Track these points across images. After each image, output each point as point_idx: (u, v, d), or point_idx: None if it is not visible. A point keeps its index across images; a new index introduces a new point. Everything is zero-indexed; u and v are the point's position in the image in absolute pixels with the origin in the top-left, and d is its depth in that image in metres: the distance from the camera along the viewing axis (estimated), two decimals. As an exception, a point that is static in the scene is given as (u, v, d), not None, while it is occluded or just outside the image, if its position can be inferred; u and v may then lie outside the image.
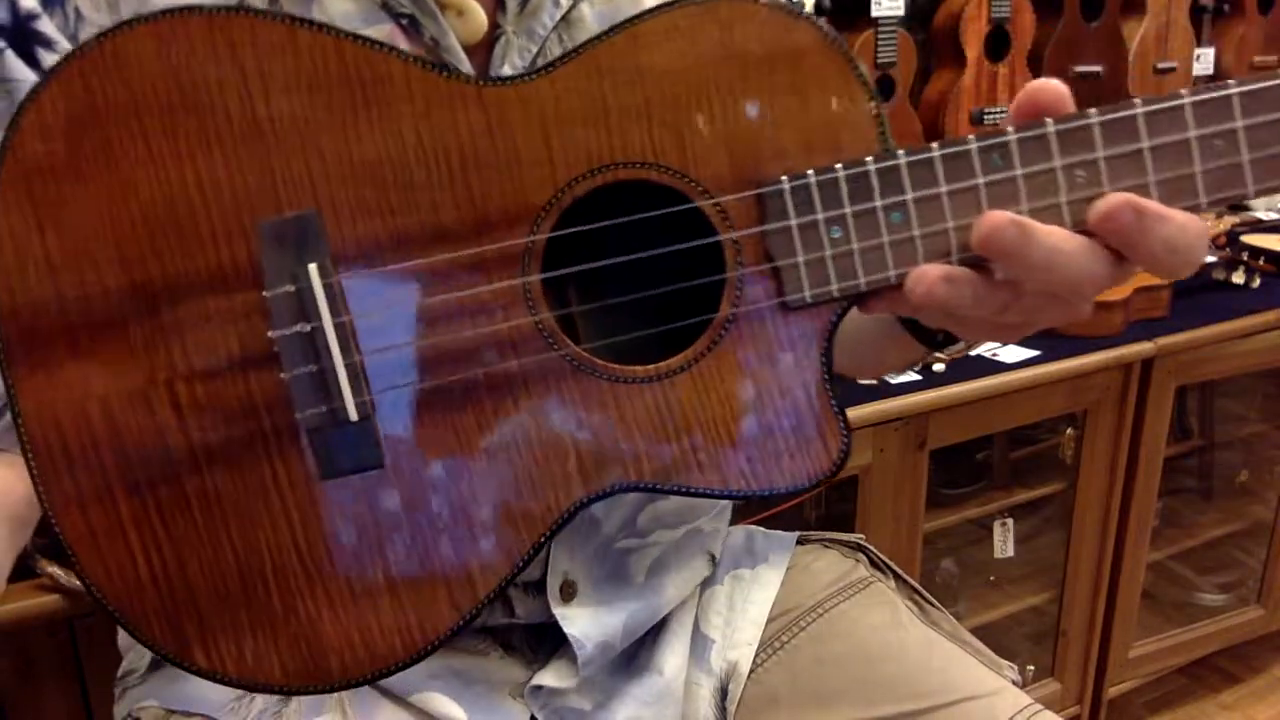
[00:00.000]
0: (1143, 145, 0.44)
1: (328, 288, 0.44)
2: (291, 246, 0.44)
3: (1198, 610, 1.88)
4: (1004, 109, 1.67)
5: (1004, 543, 1.67)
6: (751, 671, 0.71)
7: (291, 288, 0.44)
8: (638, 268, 0.46)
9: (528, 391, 0.47)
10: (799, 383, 0.48)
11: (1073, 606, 1.65)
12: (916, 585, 0.77)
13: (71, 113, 0.42)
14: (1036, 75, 1.70)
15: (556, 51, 0.58)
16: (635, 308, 0.48)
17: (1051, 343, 1.45)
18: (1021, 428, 1.62)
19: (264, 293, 0.44)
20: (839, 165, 0.45)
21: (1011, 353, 1.45)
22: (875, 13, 1.53)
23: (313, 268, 0.44)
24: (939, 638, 0.71)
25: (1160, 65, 1.83)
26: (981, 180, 0.44)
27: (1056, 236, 0.43)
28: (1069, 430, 1.58)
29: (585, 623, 0.63)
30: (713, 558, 0.74)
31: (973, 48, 1.64)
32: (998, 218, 0.43)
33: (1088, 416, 1.54)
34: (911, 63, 1.63)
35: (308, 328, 0.44)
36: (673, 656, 0.69)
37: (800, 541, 0.80)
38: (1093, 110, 0.44)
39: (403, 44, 0.54)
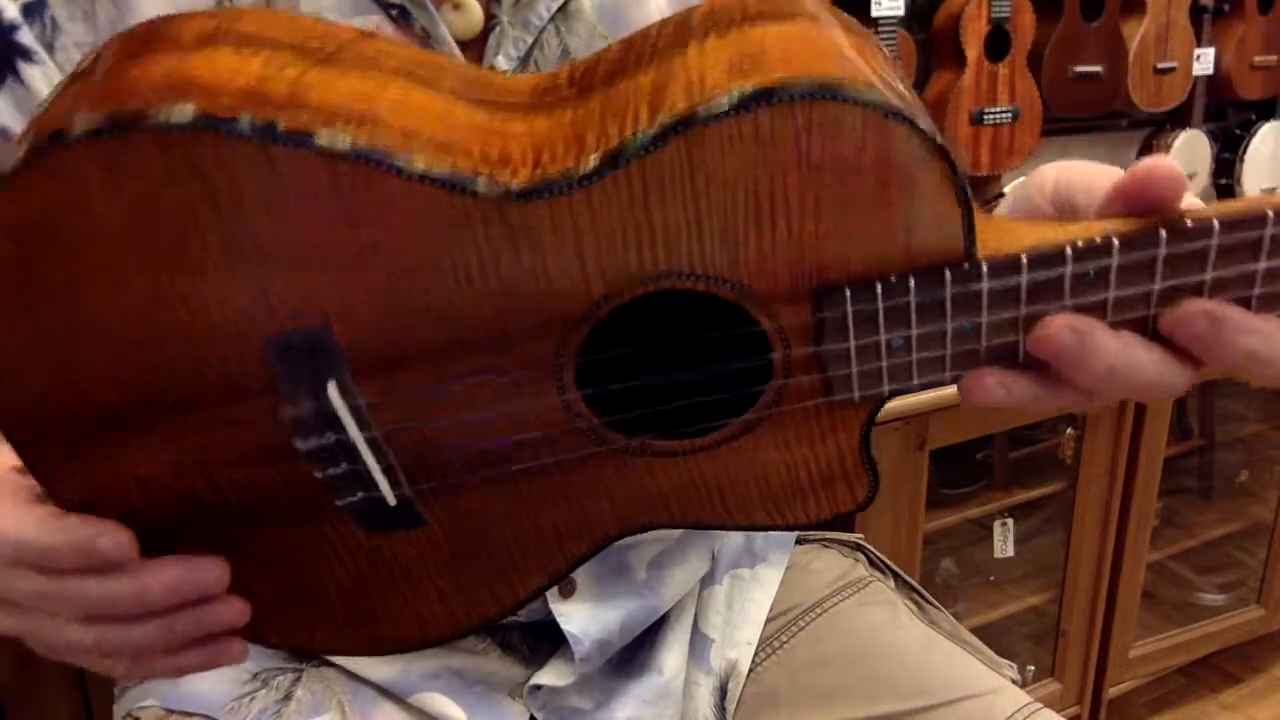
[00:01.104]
0: (1259, 267, 0.39)
1: (354, 410, 0.41)
2: (303, 362, 0.40)
3: (1198, 610, 1.88)
4: (1004, 108, 1.67)
5: (1004, 543, 1.67)
6: (751, 670, 0.71)
7: (313, 405, 0.41)
8: (676, 355, 0.44)
9: (565, 471, 0.45)
10: (834, 452, 0.47)
11: (1073, 606, 1.65)
12: (915, 585, 0.77)
13: (11, 243, 0.36)
14: (1037, 75, 1.70)
15: (554, 44, 0.57)
16: (669, 391, 0.45)
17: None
18: (1021, 428, 1.62)
19: (285, 411, 0.41)
20: (911, 283, 0.39)
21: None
22: (875, 13, 1.53)
23: (332, 387, 0.40)
24: (938, 637, 0.71)
25: (1160, 65, 1.83)
26: (1069, 303, 0.40)
27: (1118, 346, 0.40)
28: (1069, 430, 1.58)
29: (583, 619, 0.63)
30: (711, 555, 0.74)
31: (973, 48, 1.63)
32: (1054, 325, 0.40)
33: (1087, 416, 1.53)
34: (911, 63, 1.63)
35: (334, 438, 0.42)
36: (672, 656, 0.69)
37: (799, 541, 0.80)
38: (1214, 221, 0.38)
39: (390, 34, 0.53)
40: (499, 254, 0.38)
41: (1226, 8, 1.90)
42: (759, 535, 0.79)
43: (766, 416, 0.45)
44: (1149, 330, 0.41)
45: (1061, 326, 0.40)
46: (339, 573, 0.47)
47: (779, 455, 0.46)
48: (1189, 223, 0.38)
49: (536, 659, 0.66)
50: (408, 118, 0.37)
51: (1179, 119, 1.94)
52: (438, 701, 0.62)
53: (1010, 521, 1.66)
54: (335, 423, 0.41)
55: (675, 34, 0.39)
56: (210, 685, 0.62)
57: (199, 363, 0.39)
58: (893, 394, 0.44)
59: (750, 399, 0.44)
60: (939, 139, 0.37)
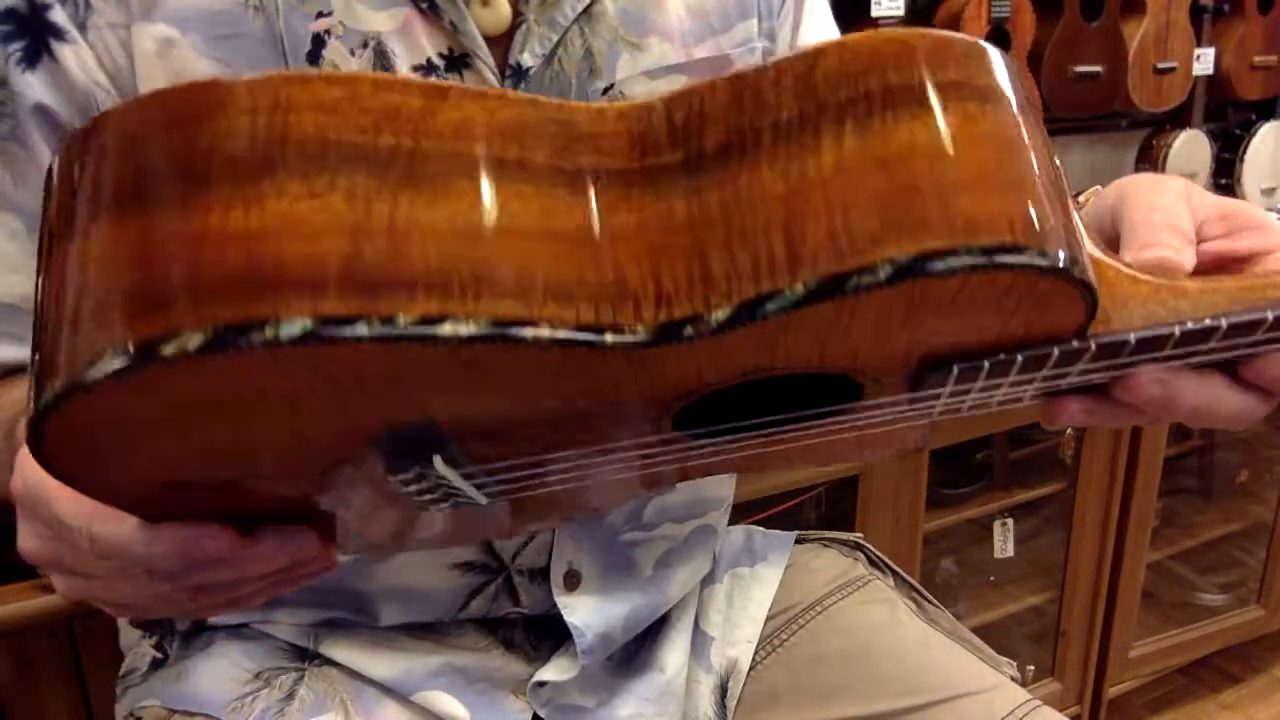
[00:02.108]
0: None
1: (461, 473, 0.41)
2: (408, 448, 0.39)
3: (1198, 610, 1.88)
4: (1004, 109, 1.67)
5: (1004, 543, 1.67)
6: (751, 669, 0.71)
7: (417, 471, 0.41)
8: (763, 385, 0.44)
9: (645, 463, 0.47)
10: (908, 431, 0.49)
11: (1073, 606, 1.65)
12: (915, 583, 0.77)
13: (103, 422, 0.33)
14: (1037, 75, 1.70)
15: (578, 44, 0.57)
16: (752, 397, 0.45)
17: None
18: (1021, 428, 1.62)
19: (388, 476, 0.41)
20: (1019, 359, 0.39)
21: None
22: (875, 13, 1.53)
23: (438, 460, 0.40)
24: (937, 634, 0.72)
25: (1160, 65, 1.83)
26: (1165, 362, 0.41)
27: (1202, 390, 0.41)
28: (1069, 430, 1.58)
29: (587, 612, 0.63)
30: (714, 555, 0.74)
31: (972, 48, 1.64)
32: (1143, 379, 0.41)
33: (1088, 416, 1.54)
34: (911, 63, 1.63)
35: (435, 481, 0.42)
36: (674, 654, 0.69)
37: (798, 540, 0.80)
38: None
39: (419, 27, 0.54)
40: (620, 380, 0.37)
41: (1226, 8, 1.90)
42: (759, 534, 0.79)
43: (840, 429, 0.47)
44: (1230, 369, 0.41)
45: (1150, 381, 0.41)
46: (424, 521, 0.49)
47: (848, 435, 0.48)
48: None
49: (539, 656, 0.66)
50: (516, 252, 0.33)
51: (1179, 119, 1.94)
52: (441, 700, 0.62)
53: (1010, 521, 1.66)
54: (438, 476, 0.41)
55: (800, 102, 0.34)
56: (212, 685, 0.62)
57: (301, 457, 0.39)
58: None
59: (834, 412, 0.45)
60: (1084, 274, 0.34)
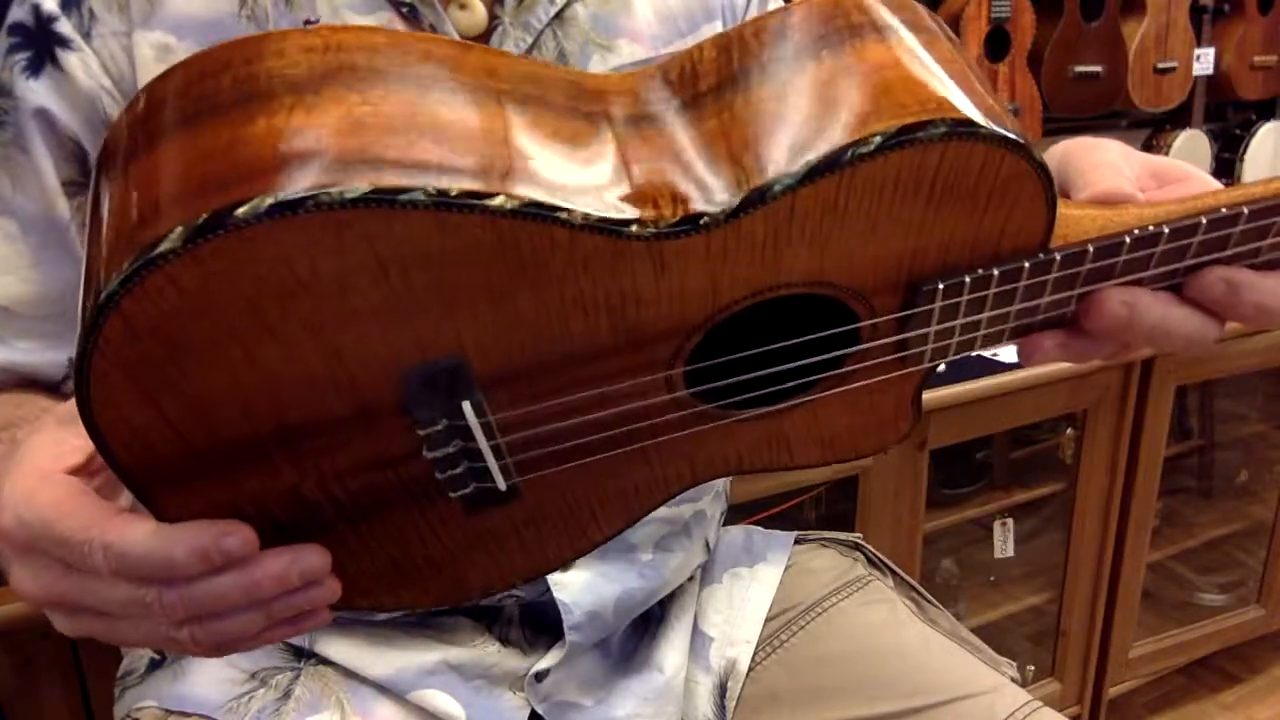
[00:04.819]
0: (1264, 243, 0.46)
1: (485, 426, 0.42)
2: (440, 389, 0.40)
3: (1198, 610, 1.88)
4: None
5: (1004, 543, 1.67)
6: (751, 669, 0.71)
7: (445, 423, 0.42)
8: (765, 326, 0.46)
9: (655, 437, 0.47)
10: (892, 401, 0.51)
11: (1073, 606, 1.65)
12: (914, 584, 0.77)
13: (161, 319, 0.35)
14: (1037, 75, 1.70)
15: (551, 46, 0.60)
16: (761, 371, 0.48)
17: (1051, 342, 1.45)
18: (1021, 428, 1.62)
19: (417, 430, 0.42)
20: (995, 273, 0.43)
21: (1011, 352, 1.45)
22: (875, 12, 1.53)
23: (466, 407, 0.41)
24: (937, 635, 0.72)
25: (1160, 65, 1.83)
26: (1119, 277, 0.45)
27: (1160, 308, 0.46)
28: (1069, 430, 1.58)
29: (577, 589, 0.64)
30: (708, 544, 0.74)
31: (973, 47, 1.64)
32: (1109, 302, 0.45)
33: (1087, 416, 1.54)
34: (911, 63, 1.63)
35: (460, 445, 0.43)
36: (672, 654, 0.69)
37: (798, 541, 0.80)
38: (1244, 209, 0.44)
39: (400, 30, 0.56)
40: (641, 284, 0.40)
41: (1226, 8, 1.90)
42: (759, 534, 0.79)
43: (839, 384, 0.48)
44: (1178, 291, 0.46)
45: (1116, 303, 0.45)
46: (432, 546, 0.48)
47: (843, 407, 0.50)
48: (1224, 211, 0.44)
49: (535, 652, 0.66)
50: (548, 161, 0.37)
51: (1179, 119, 1.94)
52: (438, 699, 0.62)
53: (1010, 521, 1.66)
54: (464, 433, 0.42)
55: (780, 44, 0.40)
56: (209, 685, 0.62)
57: (334, 396, 0.39)
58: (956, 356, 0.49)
59: (827, 366, 0.47)
60: (1039, 155, 0.40)
